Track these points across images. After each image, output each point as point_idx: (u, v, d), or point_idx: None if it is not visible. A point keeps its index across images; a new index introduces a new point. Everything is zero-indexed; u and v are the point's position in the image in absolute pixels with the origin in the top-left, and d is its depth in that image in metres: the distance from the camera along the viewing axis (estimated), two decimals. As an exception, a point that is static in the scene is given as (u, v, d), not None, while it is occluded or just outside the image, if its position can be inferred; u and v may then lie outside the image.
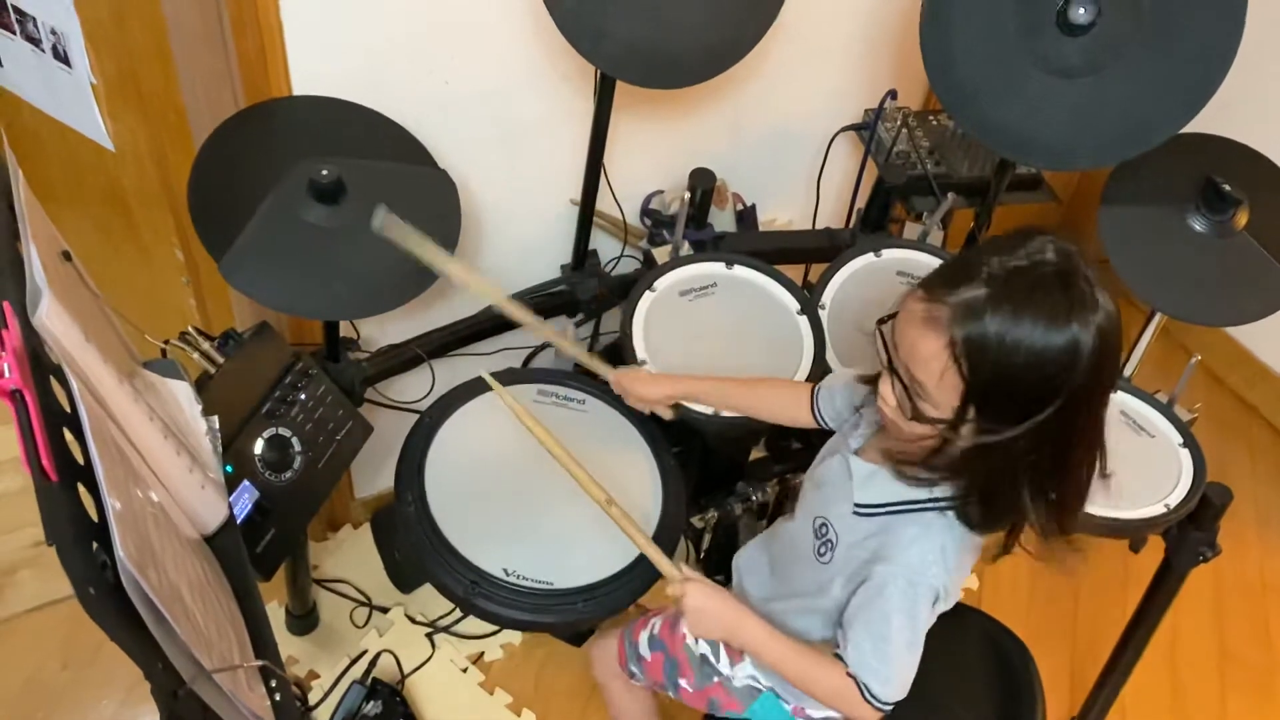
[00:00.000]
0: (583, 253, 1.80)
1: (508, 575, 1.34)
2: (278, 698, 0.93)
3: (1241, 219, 1.56)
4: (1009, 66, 1.48)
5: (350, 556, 2.01)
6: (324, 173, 1.32)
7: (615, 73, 1.48)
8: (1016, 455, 0.98)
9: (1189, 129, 1.49)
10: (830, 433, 1.28)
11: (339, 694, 1.73)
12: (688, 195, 1.68)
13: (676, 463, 1.53)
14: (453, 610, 1.93)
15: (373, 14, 1.44)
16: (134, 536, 0.77)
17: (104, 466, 0.77)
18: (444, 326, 1.74)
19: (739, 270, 1.61)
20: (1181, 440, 1.54)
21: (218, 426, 1.18)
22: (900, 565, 1.07)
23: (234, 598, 1.01)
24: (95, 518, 0.77)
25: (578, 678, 1.87)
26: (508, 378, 1.59)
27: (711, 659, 1.36)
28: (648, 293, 1.55)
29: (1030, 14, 1.45)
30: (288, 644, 1.87)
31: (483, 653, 1.92)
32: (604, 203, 1.78)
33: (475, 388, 1.52)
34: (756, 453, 1.96)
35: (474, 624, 1.92)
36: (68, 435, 0.79)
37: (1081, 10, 1.42)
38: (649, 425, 1.56)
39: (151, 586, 0.74)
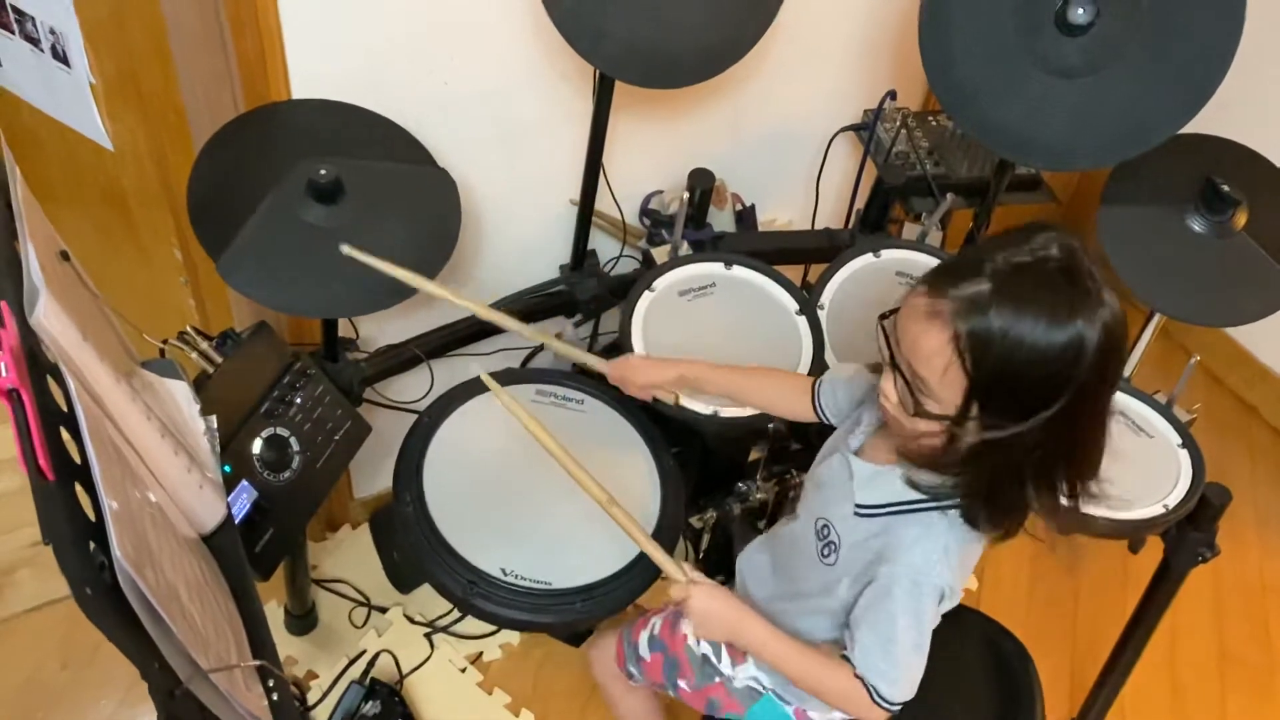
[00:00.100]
0: (582, 253, 1.80)
1: (506, 575, 1.34)
2: (275, 697, 0.93)
3: (1240, 219, 1.56)
4: (1008, 67, 1.48)
5: (349, 556, 2.01)
6: (323, 172, 1.32)
7: (614, 73, 1.48)
8: (1021, 452, 0.97)
9: (1188, 129, 1.49)
10: (829, 429, 1.28)
11: (337, 694, 1.73)
12: (687, 195, 1.68)
13: (676, 463, 1.53)
14: (451, 610, 1.93)
15: (372, 14, 1.44)
16: (131, 536, 0.77)
17: (101, 466, 0.77)
18: (442, 326, 1.74)
19: (738, 270, 1.61)
20: (1180, 441, 1.54)
21: (216, 426, 1.18)
22: (904, 566, 1.07)
23: (232, 597, 1.01)
24: (92, 517, 0.77)
25: (576, 678, 1.87)
26: (506, 378, 1.59)
27: (713, 659, 1.36)
28: (646, 293, 1.55)
29: (1029, 14, 1.44)
30: (286, 644, 1.87)
31: (481, 653, 1.92)
32: (603, 203, 1.78)
33: (474, 388, 1.52)
34: (756, 453, 1.96)
35: (473, 624, 1.92)
36: (65, 435, 0.79)
37: (1080, 10, 1.42)
38: (648, 425, 1.56)
39: (148, 586, 0.74)
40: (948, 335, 0.94)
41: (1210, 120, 1.49)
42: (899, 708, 1.09)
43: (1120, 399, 1.58)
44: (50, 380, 0.82)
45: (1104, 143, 1.51)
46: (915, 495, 1.07)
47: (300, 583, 1.81)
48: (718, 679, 1.36)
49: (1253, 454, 2.51)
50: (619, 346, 1.51)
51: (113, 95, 1.56)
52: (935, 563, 1.06)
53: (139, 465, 0.94)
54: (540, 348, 1.91)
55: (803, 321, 1.56)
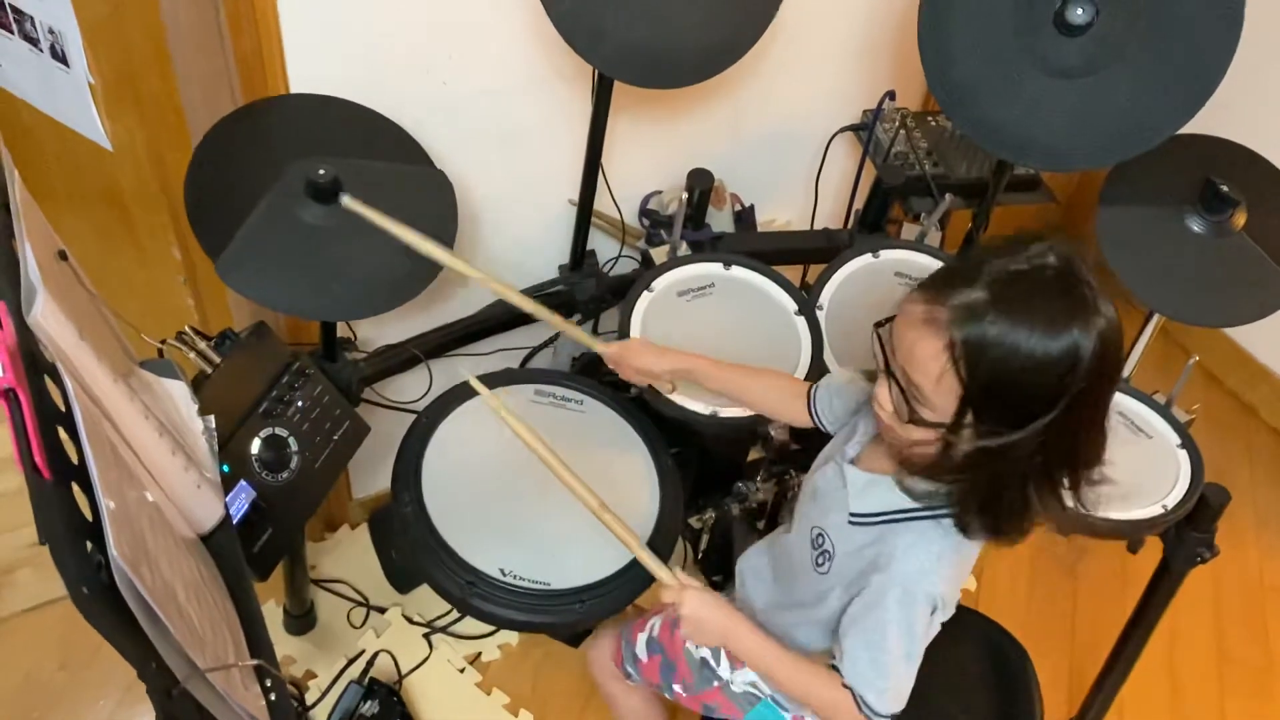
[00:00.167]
0: (581, 253, 1.80)
1: (504, 575, 1.34)
2: (273, 697, 0.93)
3: (1239, 220, 1.56)
4: (1007, 67, 1.48)
5: (348, 556, 2.01)
6: (321, 172, 1.32)
7: (613, 73, 1.48)
8: (1017, 459, 0.97)
9: (1187, 130, 1.48)
10: (826, 435, 1.28)
11: (336, 694, 1.73)
12: (685, 195, 1.68)
13: (674, 463, 1.53)
14: (450, 611, 1.93)
15: (371, 15, 1.44)
16: (128, 536, 0.77)
17: (98, 466, 0.77)
18: (441, 327, 1.74)
19: (737, 271, 1.61)
20: (1179, 441, 1.54)
21: (214, 426, 1.18)
22: (896, 575, 1.06)
23: (229, 597, 1.01)
24: (89, 517, 0.77)
25: (575, 678, 1.87)
26: (505, 378, 1.59)
27: (712, 663, 1.36)
28: (645, 293, 1.55)
29: (1028, 15, 1.44)
30: (285, 644, 1.87)
31: (480, 653, 1.92)
32: (602, 203, 1.78)
33: (470, 389, 1.51)
34: (755, 453, 1.96)
35: (471, 624, 1.92)
36: (62, 434, 0.79)
37: (1079, 10, 1.41)
38: (647, 426, 1.56)
39: (145, 586, 0.74)
40: (943, 342, 0.94)
41: (1209, 120, 1.49)
42: (887, 719, 1.09)
43: (1119, 399, 1.58)
44: (48, 380, 0.82)
45: (1103, 143, 1.50)
46: (909, 504, 1.07)
47: (299, 583, 1.81)
48: (716, 683, 1.36)
49: (1252, 454, 2.51)
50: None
51: (111, 95, 1.56)
52: (928, 572, 1.06)
53: (136, 465, 0.94)
54: (540, 347, 1.91)
55: (801, 322, 1.56)
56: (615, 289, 1.80)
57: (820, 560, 1.16)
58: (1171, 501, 1.46)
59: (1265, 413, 2.57)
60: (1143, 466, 1.51)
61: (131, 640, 0.75)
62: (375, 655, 1.84)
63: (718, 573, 1.95)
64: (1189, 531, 1.53)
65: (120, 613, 0.74)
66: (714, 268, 1.61)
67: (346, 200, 1.28)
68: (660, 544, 1.42)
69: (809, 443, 1.58)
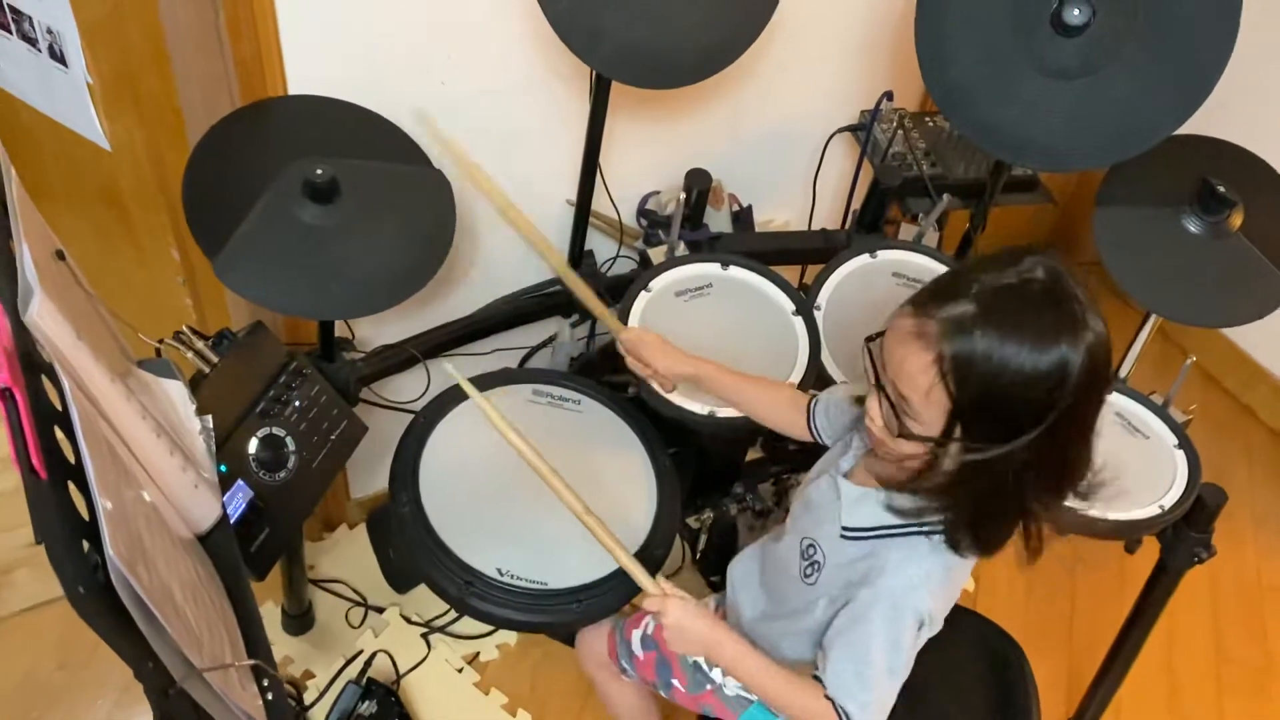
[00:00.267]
0: (578, 253, 1.80)
1: (502, 575, 1.34)
2: (270, 697, 0.93)
3: (1236, 220, 1.56)
4: (1004, 68, 1.48)
5: (346, 556, 2.01)
6: (319, 172, 1.32)
7: (610, 73, 1.48)
8: (1004, 475, 0.97)
9: (1184, 130, 1.49)
10: (824, 447, 1.28)
11: (334, 694, 1.73)
12: (683, 196, 1.68)
13: (672, 463, 1.53)
14: (448, 610, 1.93)
15: (369, 16, 1.44)
16: (124, 535, 0.77)
17: (95, 465, 0.77)
18: (439, 326, 1.74)
19: (734, 271, 1.61)
20: (1176, 441, 1.54)
21: (211, 426, 1.18)
22: (884, 589, 1.06)
23: (227, 597, 1.01)
24: (86, 516, 0.77)
25: (573, 678, 1.87)
26: (503, 378, 1.59)
27: (704, 667, 1.36)
28: (643, 293, 1.55)
29: (1025, 15, 1.45)
30: (283, 644, 1.87)
31: (478, 653, 1.92)
32: (600, 203, 1.78)
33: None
34: (753, 453, 1.96)
35: (469, 624, 1.92)
36: (59, 434, 0.79)
37: (1076, 11, 1.42)
38: (645, 426, 1.56)
39: (141, 585, 0.74)
40: (931, 356, 0.94)
41: (1206, 121, 1.50)
42: None
43: (1116, 400, 1.59)
44: (45, 379, 0.82)
45: (1100, 143, 1.51)
46: (901, 519, 1.07)
47: (297, 583, 1.81)
48: (709, 687, 1.36)
49: (1249, 455, 2.51)
50: (616, 347, 1.51)
51: (110, 95, 1.56)
52: (916, 587, 1.05)
53: (133, 464, 0.94)
54: (538, 347, 1.91)
55: (799, 322, 1.56)
56: (613, 289, 1.79)
57: (808, 571, 1.16)
58: (1169, 502, 1.46)
59: (1263, 413, 2.57)
60: (1140, 467, 1.51)
61: (128, 640, 0.75)
62: (373, 655, 1.84)
63: (716, 573, 1.95)
64: (1186, 532, 1.53)
65: (117, 612, 0.74)
66: (712, 268, 1.61)
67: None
68: (657, 545, 1.42)
69: (807, 444, 1.58)
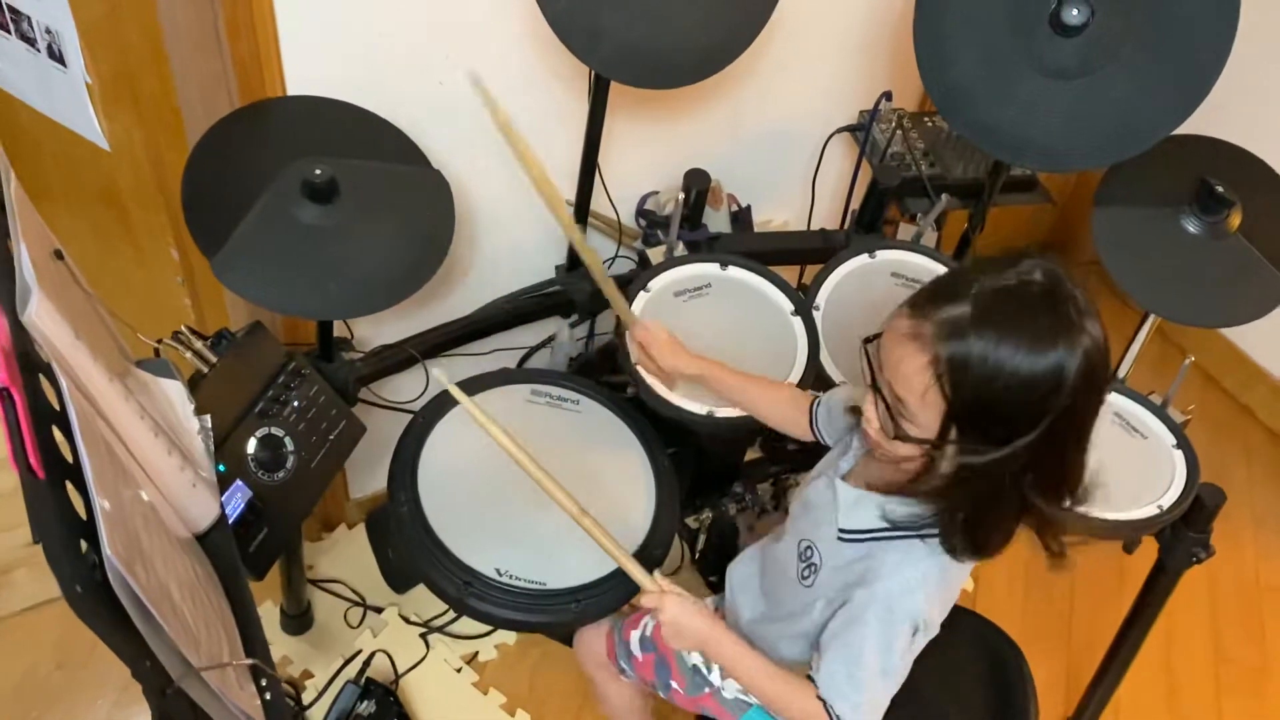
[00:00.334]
0: (577, 253, 1.80)
1: (500, 575, 1.34)
2: (268, 697, 0.93)
3: (1234, 220, 1.56)
4: (1003, 68, 1.48)
5: (345, 556, 2.01)
6: (318, 172, 1.32)
7: (609, 73, 1.48)
8: (1001, 479, 0.96)
9: (1182, 130, 1.49)
10: (826, 447, 1.28)
11: (333, 694, 1.73)
12: (682, 196, 1.68)
13: (671, 463, 1.53)
14: (447, 610, 1.93)
15: (368, 16, 1.44)
16: (122, 535, 0.77)
17: (93, 465, 0.77)
18: (438, 326, 1.74)
19: (733, 271, 1.61)
20: (1175, 442, 1.54)
21: (210, 426, 1.18)
22: (880, 591, 1.06)
23: (225, 597, 1.01)
24: (84, 516, 0.77)
25: (572, 678, 1.87)
26: (501, 378, 1.59)
27: (703, 669, 1.36)
28: (642, 293, 1.55)
29: (1024, 15, 1.45)
30: (282, 643, 1.87)
31: (477, 653, 1.92)
32: (599, 203, 1.78)
33: (468, 389, 1.52)
34: (752, 453, 1.96)
35: (468, 624, 1.92)
36: (57, 434, 0.79)
37: (1074, 11, 1.42)
38: (643, 426, 1.56)
39: (139, 584, 0.74)
40: (927, 358, 0.94)
41: (1205, 121, 1.50)
42: None
43: (1115, 400, 1.59)
44: (43, 379, 0.82)
45: (1098, 143, 1.51)
46: (898, 522, 1.07)
47: (296, 582, 1.81)
48: (707, 689, 1.36)
49: (1248, 455, 2.51)
50: (614, 348, 1.51)
51: (109, 95, 1.56)
52: (912, 591, 1.05)
53: (131, 464, 0.94)
54: (537, 347, 1.91)
55: (798, 322, 1.56)
56: (612, 289, 1.80)
57: (805, 573, 1.17)
58: (1167, 502, 1.46)
59: (1262, 413, 2.57)
60: (1138, 467, 1.51)
61: (126, 639, 0.75)
62: (372, 655, 1.84)
63: (714, 573, 1.95)
64: (1185, 532, 1.53)
65: (114, 612, 0.74)
66: (711, 268, 1.61)
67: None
68: (656, 545, 1.42)
69: (806, 444, 1.58)
